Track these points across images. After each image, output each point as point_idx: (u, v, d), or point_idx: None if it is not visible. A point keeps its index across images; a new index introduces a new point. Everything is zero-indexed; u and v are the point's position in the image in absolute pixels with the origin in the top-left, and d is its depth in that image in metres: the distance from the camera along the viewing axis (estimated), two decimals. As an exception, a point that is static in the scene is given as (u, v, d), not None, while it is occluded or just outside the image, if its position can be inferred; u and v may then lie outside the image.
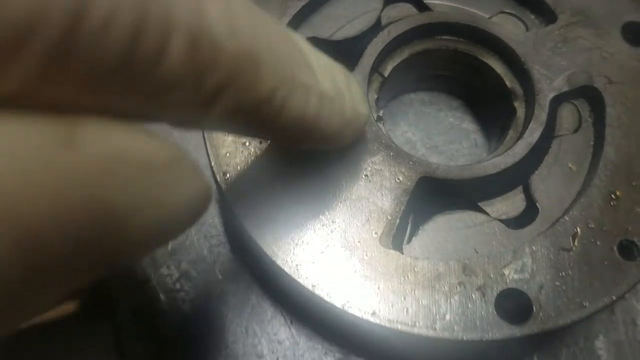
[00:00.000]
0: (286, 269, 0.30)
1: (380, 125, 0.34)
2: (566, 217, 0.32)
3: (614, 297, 0.30)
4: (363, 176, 0.33)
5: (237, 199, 0.32)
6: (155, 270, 0.38)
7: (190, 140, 0.38)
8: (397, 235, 0.32)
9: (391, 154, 0.33)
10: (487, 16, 0.39)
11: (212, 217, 0.39)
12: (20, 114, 0.13)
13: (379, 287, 0.30)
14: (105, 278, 0.40)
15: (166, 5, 0.15)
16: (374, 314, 0.30)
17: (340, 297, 0.30)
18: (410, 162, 0.33)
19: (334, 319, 0.34)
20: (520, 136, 0.33)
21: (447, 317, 0.30)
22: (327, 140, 0.27)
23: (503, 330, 0.29)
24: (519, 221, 0.33)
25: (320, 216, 0.32)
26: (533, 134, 0.33)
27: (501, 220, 0.33)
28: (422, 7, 0.39)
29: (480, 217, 0.33)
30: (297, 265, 0.31)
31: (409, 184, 0.32)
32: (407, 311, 0.30)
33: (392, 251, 0.31)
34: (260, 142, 0.33)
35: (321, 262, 0.31)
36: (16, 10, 0.12)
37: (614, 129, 0.34)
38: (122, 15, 0.13)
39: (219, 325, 0.36)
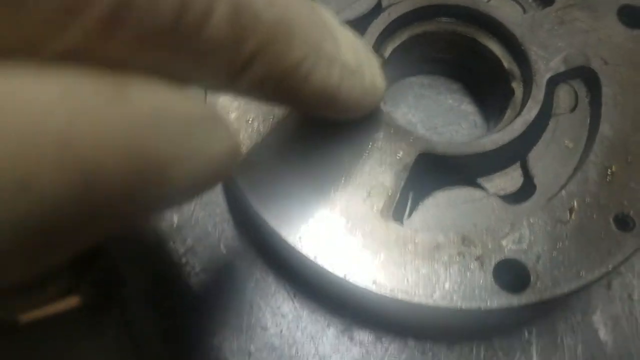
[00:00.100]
0: (289, 241, 0.31)
1: (381, 104, 0.35)
2: (563, 192, 0.33)
3: (610, 267, 0.31)
4: (364, 152, 0.33)
5: (241, 174, 0.33)
6: (161, 246, 0.38)
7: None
8: (398, 210, 0.33)
9: (391, 131, 0.34)
10: (485, -1, 0.40)
11: (216, 195, 0.40)
12: (79, 68, 0.14)
13: (379, 258, 0.31)
14: (111, 259, 0.41)
15: None
16: (374, 283, 0.30)
17: (342, 267, 0.31)
18: (410, 139, 0.33)
19: (336, 291, 0.35)
20: (518, 114, 0.34)
21: (446, 286, 0.31)
22: (345, 111, 0.28)
23: (501, 299, 0.30)
24: (517, 197, 0.34)
25: (323, 191, 0.33)
26: (530, 111, 0.34)
27: (499, 196, 0.34)
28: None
29: (478, 192, 0.34)
30: (300, 237, 0.32)
31: (408, 160, 0.33)
32: (407, 280, 0.31)
33: (393, 224, 0.32)
34: (264, 119, 0.34)
35: (323, 234, 0.32)
36: None
37: (609, 108, 0.34)
38: None
39: (223, 299, 0.37)
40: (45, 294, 0.96)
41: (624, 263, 0.31)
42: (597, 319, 0.38)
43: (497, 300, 0.30)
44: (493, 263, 0.31)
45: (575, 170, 0.34)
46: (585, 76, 0.36)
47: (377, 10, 0.38)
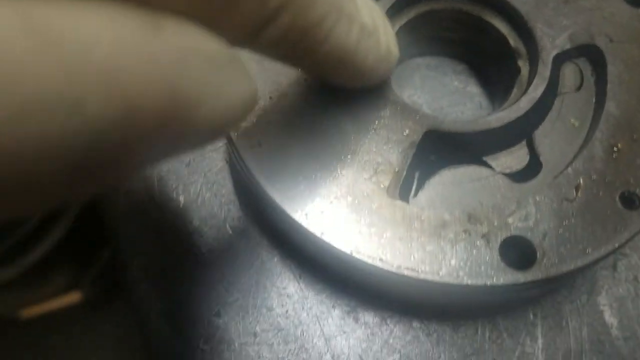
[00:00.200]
0: (296, 217, 0.31)
1: (388, 81, 0.35)
2: (569, 170, 0.33)
3: (616, 245, 0.31)
4: (371, 130, 0.33)
5: (248, 150, 0.33)
6: (167, 226, 0.39)
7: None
8: (404, 189, 0.33)
9: (398, 108, 0.34)
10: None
11: (222, 176, 0.40)
12: (121, 3, 0.15)
13: (385, 235, 0.31)
14: (117, 242, 0.41)
15: None
16: (381, 260, 0.30)
17: (348, 243, 0.31)
18: (417, 116, 0.33)
19: (341, 269, 0.35)
20: (524, 93, 0.34)
21: (452, 263, 0.31)
22: (360, 76, 0.28)
23: (507, 276, 0.30)
24: (523, 175, 0.34)
25: (329, 168, 0.33)
26: (537, 89, 0.34)
27: (505, 174, 0.34)
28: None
29: (485, 171, 0.34)
30: (306, 214, 0.32)
31: (415, 137, 0.33)
32: (413, 257, 0.31)
33: (399, 201, 0.32)
34: (271, 97, 0.34)
35: (330, 211, 0.32)
36: None
37: (615, 86, 0.34)
38: None
39: (229, 279, 0.37)
40: (45, 289, 0.97)
41: (630, 241, 0.32)
42: (603, 300, 0.38)
43: (503, 277, 0.30)
44: (499, 240, 0.31)
45: (581, 148, 0.34)
46: (590, 54, 0.36)
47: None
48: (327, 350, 0.36)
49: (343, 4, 0.23)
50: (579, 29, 0.36)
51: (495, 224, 0.32)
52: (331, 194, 0.32)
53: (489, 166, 0.34)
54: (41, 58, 0.13)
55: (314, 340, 0.36)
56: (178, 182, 0.41)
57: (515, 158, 0.35)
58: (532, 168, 0.34)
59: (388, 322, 0.37)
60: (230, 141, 0.33)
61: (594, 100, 0.35)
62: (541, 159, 0.34)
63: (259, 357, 0.36)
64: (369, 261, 0.31)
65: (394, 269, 0.30)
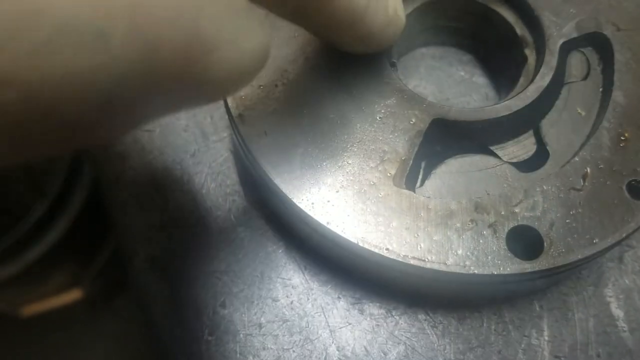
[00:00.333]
0: (302, 207, 0.31)
1: (394, 70, 0.35)
2: (576, 159, 0.32)
3: (624, 235, 0.31)
4: (377, 118, 0.33)
5: (254, 140, 0.32)
6: (172, 217, 0.38)
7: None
8: (410, 178, 0.33)
9: (405, 97, 0.34)
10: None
11: (227, 167, 0.40)
12: None
13: (392, 224, 0.31)
14: (122, 233, 0.41)
15: None
16: (387, 249, 0.30)
17: (355, 233, 0.31)
18: (424, 105, 0.33)
19: (347, 260, 0.34)
20: (531, 82, 0.34)
21: (459, 252, 0.30)
22: (368, 38, 0.29)
23: (514, 266, 0.30)
24: (530, 164, 0.34)
25: (335, 157, 0.32)
26: (544, 78, 0.34)
27: (512, 164, 0.34)
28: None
29: (491, 160, 0.34)
30: (312, 203, 0.31)
31: (422, 125, 0.33)
32: (419, 247, 0.31)
33: (406, 191, 0.32)
34: (276, 86, 0.34)
35: (336, 200, 0.31)
36: None
37: (622, 74, 0.34)
38: None
39: (234, 270, 0.37)
40: (46, 287, 0.96)
41: (637, 231, 0.31)
42: (609, 292, 0.38)
43: (510, 266, 0.30)
44: (506, 230, 0.31)
45: (588, 137, 0.33)
46: (597, 43, 0.36)
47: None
48: (332, 342, 0.36)
49: None
50: (586, 17, 0.35)
51: (502, 213, 0.31)
52: (337, 183, 0.32)
53: (496, 155, 0.34)
54: None
55: (319, 332, 0.36)
56: (183, 173, 0.40)
57: (522, 147, 0.34)
58: (539, 157, 0.34)
59: (393, 313, 0.37)
60: (236, 131, 0.33)
61: (600, 89, 0.35)
62: (548, 148, 0.34)
63: (264, 348, 0.36)
64: (376, 251, 0.30)
65: (400, 259, 0.30)
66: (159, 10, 0.15)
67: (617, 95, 0.34)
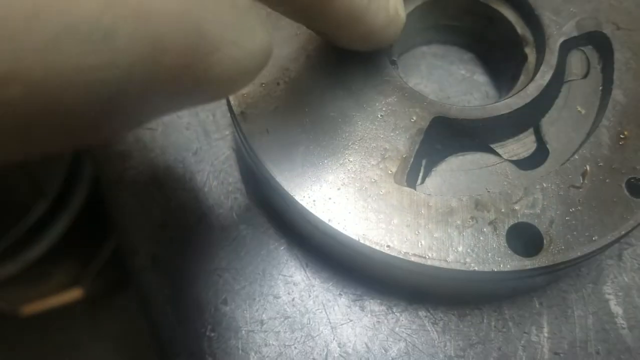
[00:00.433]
0: (303, 204, 0.31)
1: (394, 68, 0.35)
2: (576, 157, 0.33)
3: (623, 232, 0.31)
4: (378, 116, 0.34)
5: (256, 137, 0.33)
6: (173, 214, 0.39)
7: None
8: (411, 176, 0.33)
9: (406, 95, 0.34)
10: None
11: (229, 164, 0.40)
12: None
13: (393, 222, 0.31)
14: (124, 230, 0.41)
15: None
16: (388, 246, 0.31)
17: (356, 230, 0.31)
18: (425, 103, 0.34)
19: (348, 257, 0.35)
20: (531, 80, 0.34)
21: (460, 249, 0.31)
22: (370, 36, 0.29)
23: (514, 263, 0.30)
24: (530, 162, 0.34)
25: (337, 155, 0.33)
26: (544, 76, 0.34)
27: (512, 161, 0.34)
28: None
29: (492, 158, 0.34)
30: (314, 200, 0.32)
31: (423, 123, 0.33)
32: (420, 244, 0.31)
33: (406, 188, 0.32)
34: (278, 84, 0.34)
35: (337, 198, 0.32)
36: None
37: (622, 73, 0.34)
38: None
39: (236, 267, 0.37)
40: (46, 286, 0.96)
41: (636, 228, 0.32)
42: (608, 289, 0.38)
43: (510, 263, 0.30)
44: (506, 227, 0.31)
45: (588, 135, 0.34)
46: (597, 42, 0.36)
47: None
48: (334, 338, 0.36)
49: None
50: (586, 16, 0.36)
51: (503, 210, 0.32)
52: (338, 181, 0.32)
53: (496, 153, 0.34)
54: None
55: (320, 328, 0.36)
56: (185, 171, 0.41)
57: (522, 145, 0.35)
58: (539, 155, 0.34)
59: (394, 310, 0.37)
60: (238, 128, 0.33)
61: (600, 87, 0.35)
62: (548, 146, 0.34)
63: (266, 345, 0.36)
64: (377, 248, 0.31)
65: (401, 256, 0.30)
66: (163, 10, 0.15)
67: (617, 94, 0.34)
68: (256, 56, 0.21)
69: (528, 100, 0.33)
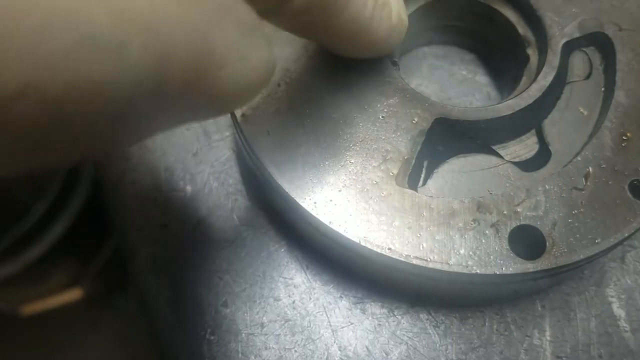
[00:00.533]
0: (304, 206, 0.31)
1: (396, 69, 0.35)
2: (578, 158, 0.32)
3: (626, 234, 0.31)
4: (379, 117, 0.33)
5: (256, 139, 0.32)
6: (174, 216, 0.38)
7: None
8: (413, 177, 0.33)
9: (407, 96, 0.34)
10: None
11: (230, 166, 0.40)
12: None
13: (394, 224, 0.31)
14: (124, 232, 0.41)
15: None
16: (389, 249, 0.30)
17: (357, 232, 0.31)
18: (426, 104, 0.33)
19: (349, 259, 0.34)
20: (533, 81, 0.34)
21: (461, 252, 0.30)
22: (374, 44, 0.30)
23: (517, 265, 0.30)
24: (532, 164, 0.34)
25: (338, 156, 0.32)
26: (546, 77, 0.34)
27: (514, 163, 0.34)
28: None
29: (494, 159, 0.34)
30: (315, 202, 0.31)
31: (424, 124, 0.33)
32: (422, 246, 0.31)
33: (408, 190, 0.32)
34: (279, 85, 0.34)
35: (338, 200, 0.31)
36: None
37: (624, 74, 0.34)
38: None
39: (236, 269, 0.37)
40: (46, 286, 0.96)
41: (639, 230, 0.31)
42: (611, 292, 0.38)
43: (513, 266, 0.30)
44: (508, 229, 0.31)
45: (590, 137, 0.33)
46: (599, 43, 0.36)
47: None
48: (334, 341, 0.36)
49: None
50: (588, 17, 0.36)
51: (505, 213, 0.31)
52: (340, 183, 0.32)
53: (498, 155, 0.34)
54: (92, 1, 0.14)
55: (321, 331, 0.36)
56: (185, 172, 0.41)
57: (524, 147, 0.34)
58: (542, 157, 0.34)
59: (395, 313, 0.37)
60: (238, 130, 0.33)
61: (602, 88, 0.35)
62: (550, 147, 0.34)
63: (266, 348, 0.36)
64: (378, 250, 0.30)
65: (402, 258, 0.30)
66: (173, 24, 0.16)
67: (619, 95, 0.34)
68: (261, 72, 0.21)
69: (530, 101, 0.33)
